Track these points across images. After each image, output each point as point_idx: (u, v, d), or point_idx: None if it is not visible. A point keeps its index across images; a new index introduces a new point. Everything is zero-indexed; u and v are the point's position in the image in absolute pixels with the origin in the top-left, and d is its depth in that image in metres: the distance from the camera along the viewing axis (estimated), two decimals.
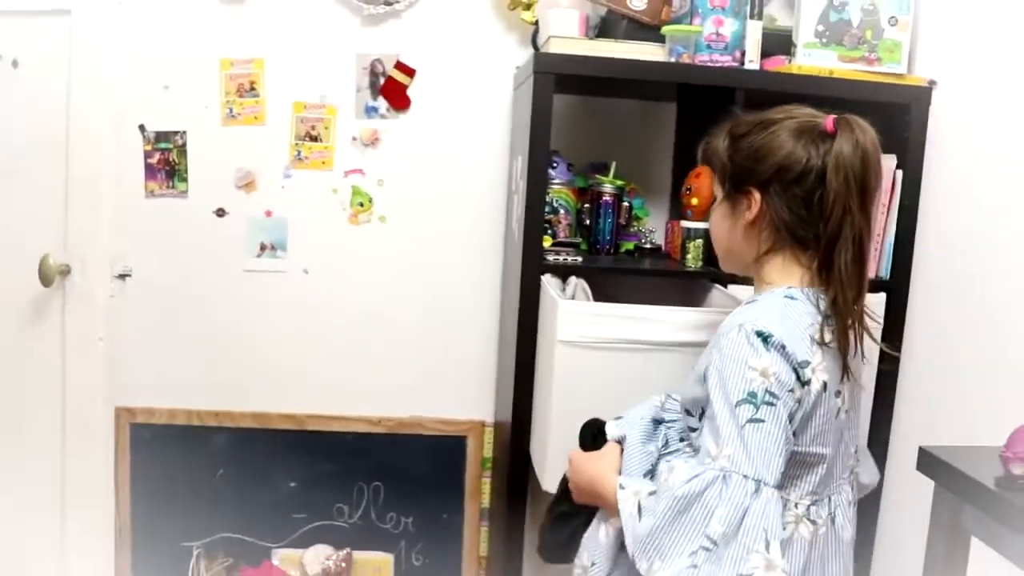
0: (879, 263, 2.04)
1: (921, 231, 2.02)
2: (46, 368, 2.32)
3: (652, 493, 1.32)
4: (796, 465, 1.33)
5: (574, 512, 1.56)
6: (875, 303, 1.99)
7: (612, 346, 1.80)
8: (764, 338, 1.27)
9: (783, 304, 1.35)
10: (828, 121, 1.36)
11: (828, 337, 1.33)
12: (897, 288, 2.03)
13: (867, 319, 1.41)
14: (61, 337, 2.31)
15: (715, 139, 1.48)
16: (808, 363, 1.29)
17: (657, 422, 1.54)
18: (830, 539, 1.40)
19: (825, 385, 1.31)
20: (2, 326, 2.37)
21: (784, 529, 1.28)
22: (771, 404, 1.24)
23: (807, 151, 1.35)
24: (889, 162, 1.98)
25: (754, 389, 1.24)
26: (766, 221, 1.40)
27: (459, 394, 2.55)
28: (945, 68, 2.00)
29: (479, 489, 2.55)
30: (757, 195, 1.39)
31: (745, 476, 1.21)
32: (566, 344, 1.81)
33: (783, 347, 1.27)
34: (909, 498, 2.01)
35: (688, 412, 1.44)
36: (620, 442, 1.54)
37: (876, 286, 2.01)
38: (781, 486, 1.26)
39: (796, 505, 1.35)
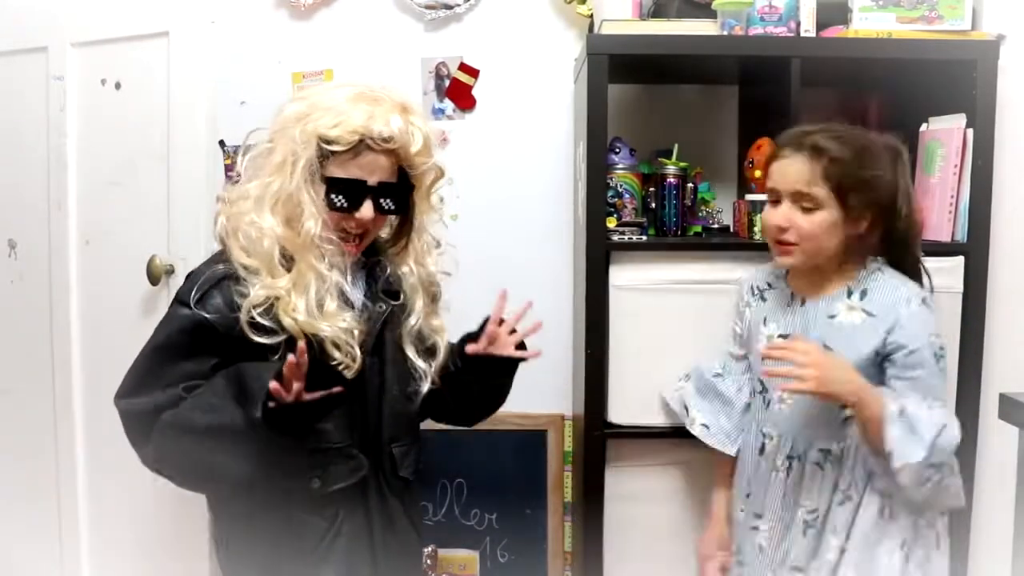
0: (954, 226, 1.97)
1: (997, 191, 1.95)
2: None
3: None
4: None
5: None
6: (952, 267, 1.95)
7: (665, 287, 1.99)
8: (928, 304, 1.61)
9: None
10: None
11: None
12: (975, 251, 1.96)
13: None
14: None
15: (832, 146, 1.58)
16: None
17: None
18: None
19: None
20: (117, 322, 2.50)
21: None
22: (944, 356, 1.62)
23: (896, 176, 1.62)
24: (958, 120, 1.93)
25: (937, 350, 1.60)
26: (868, 231, 1.63)
27: (538, 388, 2.52)
28: (1014, 21, 1.95)
29: (561, 483, 2.55)
30: (876, 215, 1.61)
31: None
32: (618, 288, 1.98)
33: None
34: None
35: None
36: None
37: (952, 250, 1.96)
38: None
39: None
